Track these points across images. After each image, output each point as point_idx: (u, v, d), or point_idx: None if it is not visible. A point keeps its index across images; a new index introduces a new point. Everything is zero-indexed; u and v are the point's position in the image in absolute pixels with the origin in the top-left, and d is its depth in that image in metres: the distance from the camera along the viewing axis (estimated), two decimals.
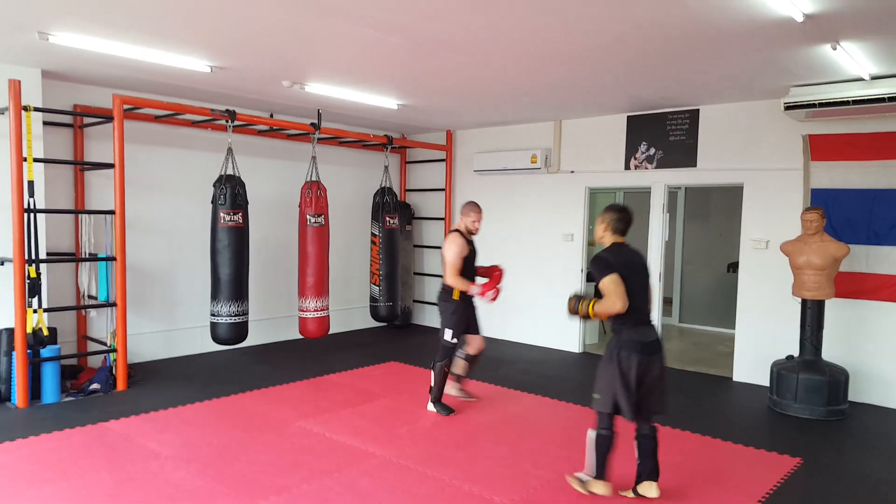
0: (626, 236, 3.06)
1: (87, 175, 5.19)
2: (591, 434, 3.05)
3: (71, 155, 5.09)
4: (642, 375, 2.92)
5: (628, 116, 5.98)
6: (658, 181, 5.86)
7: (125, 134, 4.74)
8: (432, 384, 4.33)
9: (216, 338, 5.06)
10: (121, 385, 4.74)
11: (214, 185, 4.97)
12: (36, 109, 4.38)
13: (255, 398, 4.61)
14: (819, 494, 3.23)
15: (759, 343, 5.26)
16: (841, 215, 4.86)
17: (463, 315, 4.25)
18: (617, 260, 2.93)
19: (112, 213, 4.71)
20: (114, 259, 4.72)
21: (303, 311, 5.51)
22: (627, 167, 6.02)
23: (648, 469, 3.02)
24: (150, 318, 5.62)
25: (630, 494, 3.05)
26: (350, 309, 7.31)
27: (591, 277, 3.27)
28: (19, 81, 4.21)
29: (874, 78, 4.17)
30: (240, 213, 4.97)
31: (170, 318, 5.77)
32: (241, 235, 5.01)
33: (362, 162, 7.35)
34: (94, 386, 4.66)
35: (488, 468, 3.42)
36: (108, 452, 3.51)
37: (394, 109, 5.90)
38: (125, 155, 4.70)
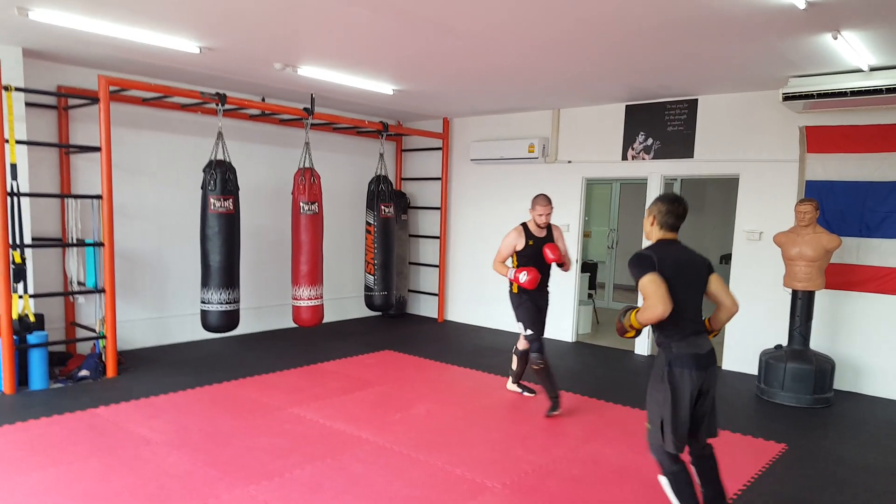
0: (678, 232, 2.64)
1: (73, 158, 5.09)
2: (663, 480, 2.53)
3: (56, 137, 4.97)
4: (699, 393, 2.49)
5: (627, 106, 5.95)
6: (655, 172, 5.85)
7: (112, 117, 4.64)
8: (513, 367, 4.54)
9: (207, 325, 5.00)
10: (110, 372, 4.68)
11: (204, 171, 4.89)
12: (17, 89, 4.27)
13: (247, 385, 4.57)
14: (802, 479, 3.28)
15: (749, 332, 5.29)
16: (834, 207, 4.88)
17: (532, 307, 4.14)
18: (659, 258, 2.49)
19: (99, 197, 4.62)
20: (101, 245, 4.64)
21: (296, 299, 5.46)
22: (625, 157, 5.99)
23: (713, 496, 2.56)
24: (139, 305, 5.54)
25: None
26: (344, 298, 7.27)
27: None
28: None
29: (873, 69, 4.17)
30: (230, 200, 4.90)
31: (160, 306, 5.70)
32: (231, 222, 4.94)
33: (357, 149, 7.27)
34: (84, 373, 4.59)
35: (480, 453, 3.42)
36: (98, 438, 3.46)
37: (389, 95, 5.83)
38: (112, 138, 4.61)
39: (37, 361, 4.36)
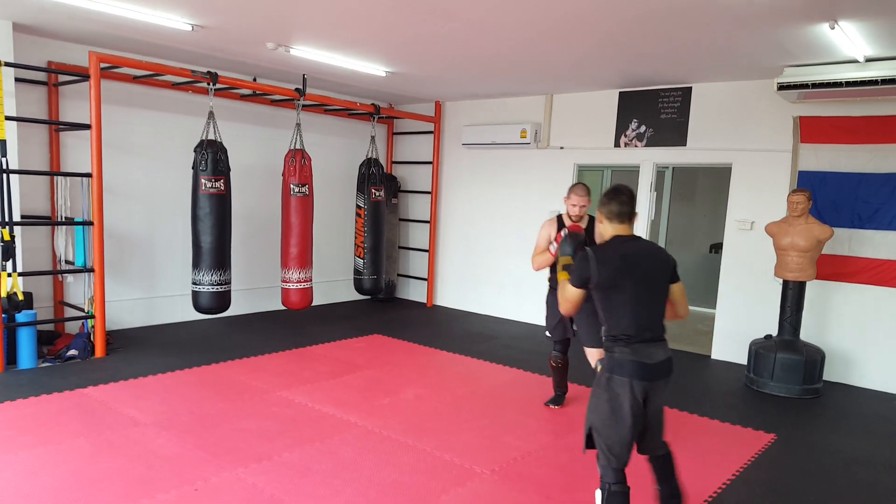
0: (631, 223, 2.39)
1: (63, 136, 5.01)
2: (598, 495, 2.33)
3: (45, 114, 4.90)
4: (641, 407, 2.24)
5: (620, 92, 5.91)
6: (647, 159, 5.83)
7: (102, 94, 4.58)
8: None
9: (198, 307, 4.99)
10: (99, 352, 4.67)
11: (195, 151, 4.83)
12: (7, 64, 4.19)
13: (236, 367, 4.57)
14: (791, 469, 3.31)
15: (739, 322, 5.34)
16: (826, 198, 4.89)
17: (557, 312, 3.80)
18: (601, 259, 2.27)
19: (89, 175, 4.57)
20: (91, 223, 4.59)
21: (286, 281, 5.45)
22: (617, 144, 5.97)
23: (669, 494, 2.40)
24: (128, 285, 5.51)
25: None
26: (334, 281, 7.26)
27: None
28: None
29: (868, 60, 4.16)
30: (221, 180, 4.85)
31: (149, 286, 5.67)
32: (222, 203, 4.90)
33: (348, 131, 7.20)
34: (72, 352, 4.58)
35: (469, 439, 3.45)
36: (87, 419, 3.46)
37: (382, 77, 5.76)
38: (102, 116, 4.54)
39: (25, 340, 4.34)
